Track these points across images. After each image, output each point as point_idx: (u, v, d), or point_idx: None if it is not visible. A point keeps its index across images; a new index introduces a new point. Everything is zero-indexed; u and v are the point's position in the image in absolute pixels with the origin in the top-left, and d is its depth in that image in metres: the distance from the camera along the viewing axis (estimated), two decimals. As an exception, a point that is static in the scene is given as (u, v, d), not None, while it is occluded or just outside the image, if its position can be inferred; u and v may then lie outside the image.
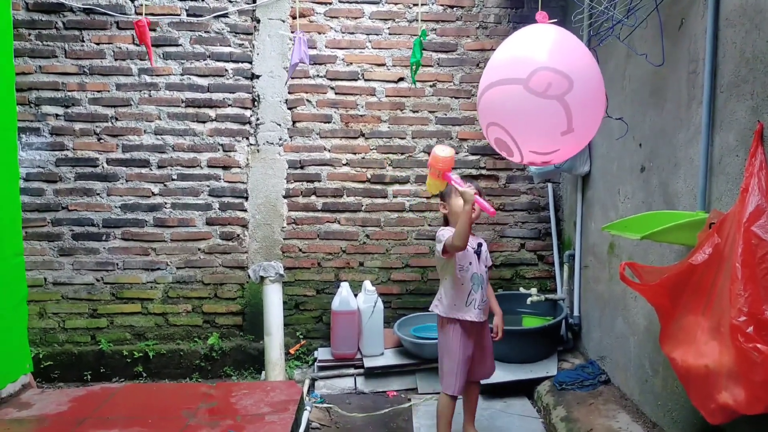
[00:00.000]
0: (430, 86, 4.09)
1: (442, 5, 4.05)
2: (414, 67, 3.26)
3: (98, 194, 3.97)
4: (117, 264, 4.00)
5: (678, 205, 2.51)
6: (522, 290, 3.96)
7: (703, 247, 1.97)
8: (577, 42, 2.23)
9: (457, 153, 4.11)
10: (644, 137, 2.85)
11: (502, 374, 3.46)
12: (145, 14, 3.63)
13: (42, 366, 3.80)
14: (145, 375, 3.93)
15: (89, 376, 3.89)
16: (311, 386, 3.64)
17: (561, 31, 2.22)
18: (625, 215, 2.97)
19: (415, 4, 4.00)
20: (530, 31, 2.24)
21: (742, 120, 2.05)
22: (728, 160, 2.14)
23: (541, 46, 2.15)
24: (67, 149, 3.94)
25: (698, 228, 2.07)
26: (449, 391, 2.74)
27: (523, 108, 2.08)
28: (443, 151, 2.55)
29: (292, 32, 3.90)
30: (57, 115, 3.92)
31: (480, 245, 2.81)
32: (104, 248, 3.99)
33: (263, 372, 3.72)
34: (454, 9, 4.06)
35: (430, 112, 4.10)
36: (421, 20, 3.90)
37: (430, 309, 2.86)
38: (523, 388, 3.50)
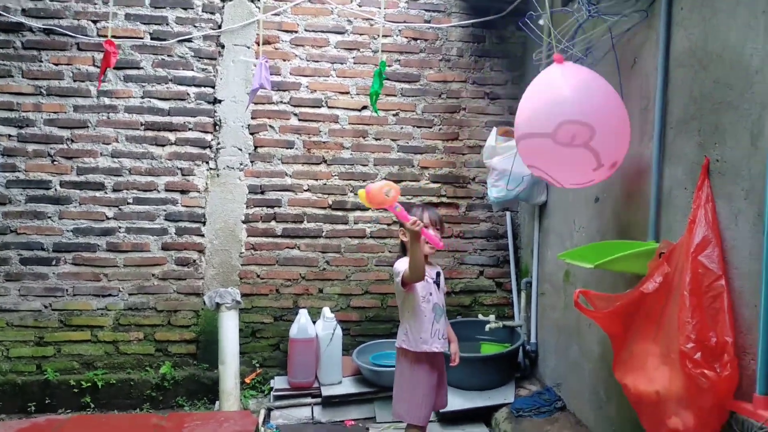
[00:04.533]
0: (393, 115, 4.15)
1: (406, 37, 4.14)
2: (373, 97, 3.32)
3: (50, 217, 3.85)
4: (66, 290, 3.86)
5: (630, 235, 2.59)
6: (480, 317, 3.99)
7: (654, 276, 2.04)
8: (597, 81, 2.32)
9: (418, 181, 4.17)
10: (598, 169, 2.94)
11: (460, 401, 3.46)
12: (105, 36, 3.59)
13: (-18, 396, 3.62)
14: (93, 406, 3.77)
15: (33, 408, 3.71)
16: (267, 416, 3.56)
17: (579, 73, 2.31)
18: (580, 244, 3.05)
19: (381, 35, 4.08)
20: (551, 76, 2.32)
21: (690, 155, 2.15)
22: (677, 193, 2.23)
23: (562, 94, 2.24)
24: (19, 171, 3.82)
25: (649, 257, 2.14)
26: (419, 422, 2.69)
27: (556, 157, 2.29)
28: (382, 193, 2.41)
29: (257, 59, 3.92)
30: (10, 135, 3.80)
31: (438, 275, 2.80)
32: (53, 273, 3.85)
33: (217, 402, 3.63)
34: (418, 41, 4.16)
35: (392, 140, 4.16)
36: (386, 51, 3.97)
37: (396, 346, 2.78)
38: (481, 416, 3.50)
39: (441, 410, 2.96)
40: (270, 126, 4.06)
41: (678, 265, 1.96)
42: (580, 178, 2.38)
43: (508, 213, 4.25)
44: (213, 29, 3.95)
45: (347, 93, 4.11)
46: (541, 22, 3.09)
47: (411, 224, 2.47)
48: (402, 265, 2.66)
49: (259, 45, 3.97)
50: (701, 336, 1.81)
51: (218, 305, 3.54)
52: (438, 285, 2.77)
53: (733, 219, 1.88)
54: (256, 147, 4.05)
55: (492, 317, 3.88)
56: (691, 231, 1.96)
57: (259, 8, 3.97)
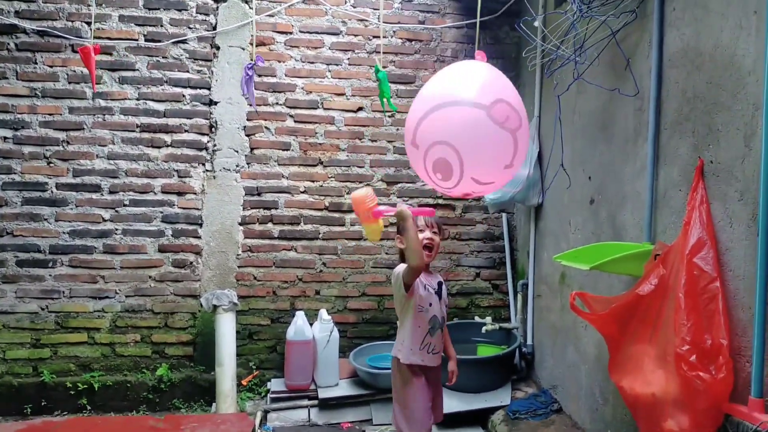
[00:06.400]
0: (389, 116, 4.14)
1: (401, 39, 4.13)
2: (387, 100, 3.33)
3: (46, 219, 3.84)
4: (63, 292, 3.85)
5: (625, 237, 2.58)
6: (477, 319, 3.99)
7: (649, 278, 2.03)
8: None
9: (414, 183, 4.16)
10: (593, 170, 2.94)
11: (456, 404, 3.45)
12: (100, 38, 3.59)
13: (-23, 399, 3.61)
14: (89, 408, 3.76)
15: (29, 410, 3.70)
16: (263, 419, 3.55)
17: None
18: (576, 246, 3.04)
19: (375, 36, 4.07)
20: (473, 67, 2.42)
21: (684, 156, 2.15)
22: (672, 194, 2.23)
23: (494, 83, 2.27)
24: (15, 173, 3.81)
25: (644, 259, 2.14)
26: None
27: (482, 133, 2.13)
28: (360, 191, 2.39)
29: (251, 60, 3.91)
30: (5, 137, 3.80)
31: (440, 285, 2.65)
32: (50, 275, 3.84)
33: (214, 404, 3.62)
34: (413, 42, 4.15)
35: (388, 141, 4.15)
36: (381, 53, 3.96)
37: (392, 354, 2.65)
38: (478, 418, 3.49)
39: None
40: (266, 128, 4.05)
41: (673, 267, 1.96)
42: (487, 173, 2.23)
43: (504, 215, 4.24)
44: (207, 31, 3.95)
45: (343, 94, 4.10)
46: (536, 24, 3.09)
47: (400, 208, 2.41)
48: (402, 268, 2.54)
49: (253, 46, 3.96)
50: (696, 338, 1.81)
51: (215, 307, 3.53)
52: (440, 296, 2.63)
53: (728, 221, 1.88)
54: (252, 149, 4.04)
55: (488, 319, 3.87)
56: (686, 233, 1.96)
57: (252, 9, 3.97)
